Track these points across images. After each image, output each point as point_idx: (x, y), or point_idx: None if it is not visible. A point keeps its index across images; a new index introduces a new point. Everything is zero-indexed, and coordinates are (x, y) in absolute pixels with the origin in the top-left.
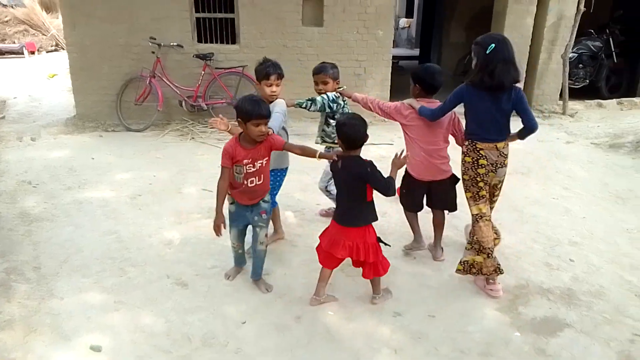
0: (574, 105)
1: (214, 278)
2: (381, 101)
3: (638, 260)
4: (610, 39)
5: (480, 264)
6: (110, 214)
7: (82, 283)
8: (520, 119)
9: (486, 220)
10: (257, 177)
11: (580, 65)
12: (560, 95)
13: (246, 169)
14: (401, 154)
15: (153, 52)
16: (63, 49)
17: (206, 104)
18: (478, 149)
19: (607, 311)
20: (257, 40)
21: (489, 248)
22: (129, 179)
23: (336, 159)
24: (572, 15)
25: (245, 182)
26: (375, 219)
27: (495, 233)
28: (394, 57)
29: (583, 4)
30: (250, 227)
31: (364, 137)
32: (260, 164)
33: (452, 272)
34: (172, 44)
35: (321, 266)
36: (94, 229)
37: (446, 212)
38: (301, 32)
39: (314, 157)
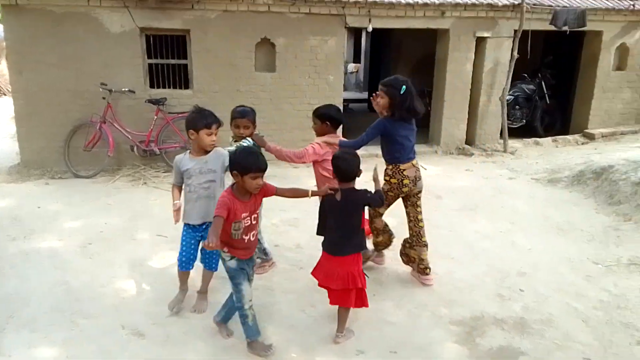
0: (514, 143)
1: (172, 326)
2: (291, 150)
3: (581, 288)
4: (543, 82)
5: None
6: (59, 264)
7: (30, 338)
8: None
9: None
10: (254, 231)
11: (517, 107)
12: (501, 134)
13: (244, 223)
14: (375, 169)
15: (104, 98)
16: (5, 94)
17: (159, 149)
18: (402, 170)
19: (557, 338)
20: (210, 85)
21: (380, 228)
22: (78, 227)
23: (332, 192)
24: (507, 62)
25: (245, 237)
26: (366, 245)
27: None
28: (344, 100)
29: (516, 51)
30: None
31: (358, 171)
32: (255, 216)
33: (411, 308)
34: (123, 89)
35: None
36: (42, 280)
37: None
38: (254, 77)
39: (307, 196)
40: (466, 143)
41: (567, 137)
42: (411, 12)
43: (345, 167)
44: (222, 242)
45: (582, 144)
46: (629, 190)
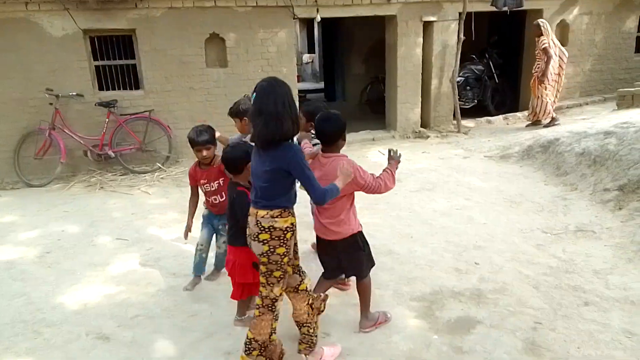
0: (467, 123)
1: (137, 327)
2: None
3: (533, 256)
4: (490, 62)
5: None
6: (17, 276)
7: None
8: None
9: None
10: (218, 195)
11: (468, 87)
12: (454, 115)
13: (204, 189)
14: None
15: (51, 104)
16: None
17: (113, 152)
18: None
19: (511, 304)
20: (162, 85)
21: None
22: (35, 237)
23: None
24: (454, 44)
25: (209, 199)
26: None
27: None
28: (301, 91)
29: (462, 33)
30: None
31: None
32: (217, 184)
33: (374, 289)
34: (71, 93)
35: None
36: (1, 293)
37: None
38: (207, 74)
39: None
40: (422, 126)
41: (517, 114)
42: (357, 0)
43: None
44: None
45: None
46: (574, 161)
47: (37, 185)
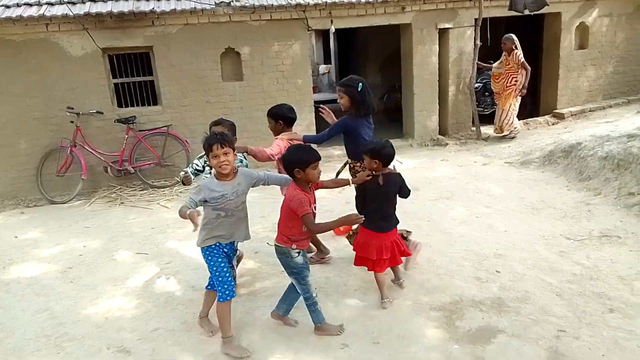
0: (486, 130)
1: (157, 340)
2: (265, 149)
3: (555, 263)
4: None
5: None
6: (40, 291)
7: None
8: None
9: None
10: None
11: (487, 93)
12: (473, 122)
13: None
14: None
15: (72, 122)
16: None
17: (133, 167)
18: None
19: (533, 313)
20: (179, 100)
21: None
22: (57, 253)
23: (370, 177)
24: (471, 50)
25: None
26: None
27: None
28: (317, 102)
29: (479, 39)
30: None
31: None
32: (315, 206)
33: (393, 299)
34: (91, 111)
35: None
36: (25, 308)
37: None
38: (222, 88)
39: (348, 184)
40: (440, 134)
41: (538, 118)
42: (371, 10)
43: (391, 152)
44: (291, 240)
45: (553, 124)
46: (597, 165)
47: (59, 202)
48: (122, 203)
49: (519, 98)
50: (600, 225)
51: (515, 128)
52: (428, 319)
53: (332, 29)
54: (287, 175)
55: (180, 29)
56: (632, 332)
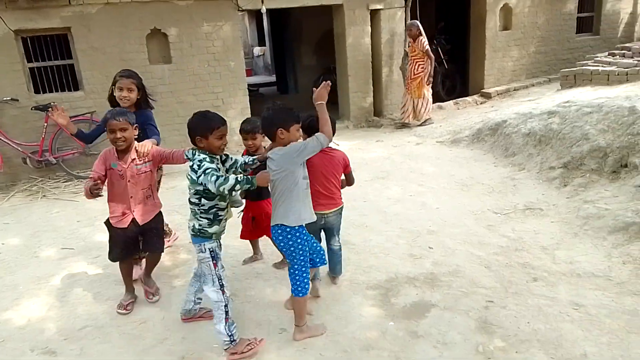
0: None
1: (85, 339)
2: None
3: (484, 237)
4: (439, 48)
5: None
6: None
7: None
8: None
9: None
10: None
11: None
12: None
13: None
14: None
15: None
16: None
17: (55, 157)
18: None
19: (464, 286)
20: (103, 84)
21: None
22: None
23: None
24: (402, 32)
25: None
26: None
27: None
28: (254, 85)
29: (409, 20)
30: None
31: None
32: None
33: (329, 282)
34: (5, 98)
35: None
36: None
37: None
38: (150, 71)
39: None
40: (375, 115)
41: (467, 98)
42: None
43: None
44: None
45: (481, 103)
46: (521, 142)
47: None
48: (44, 196)
49: (430, 87)
50: (525, 198)
51: (429, 118)
52: (365, 298)
53: (264, 9)
54: None
55: (100, 8)
56: (554, 298)
